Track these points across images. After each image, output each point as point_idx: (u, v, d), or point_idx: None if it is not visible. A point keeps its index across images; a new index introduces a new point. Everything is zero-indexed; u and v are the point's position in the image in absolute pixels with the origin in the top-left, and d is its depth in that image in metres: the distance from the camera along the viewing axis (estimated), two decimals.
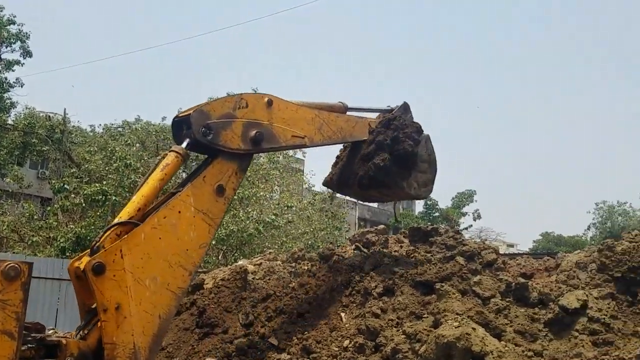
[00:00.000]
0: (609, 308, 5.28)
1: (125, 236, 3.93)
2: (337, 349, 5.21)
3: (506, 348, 4.44)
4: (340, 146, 6.90)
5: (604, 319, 5.11)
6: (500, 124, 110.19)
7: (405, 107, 6.82)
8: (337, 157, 7.00)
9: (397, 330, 5.23)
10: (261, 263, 8.70)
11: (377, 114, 6.76)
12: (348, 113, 6.30)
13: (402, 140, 6.31)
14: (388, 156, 6.20)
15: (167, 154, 4.49)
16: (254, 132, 4.81)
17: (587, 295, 5.39)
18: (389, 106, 6.81)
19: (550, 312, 5.38)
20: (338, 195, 25.41)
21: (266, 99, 5.03)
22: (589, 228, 43.93)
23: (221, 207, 4.57)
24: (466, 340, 4.21)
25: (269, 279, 7.63)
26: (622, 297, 5.49)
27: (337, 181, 6.77)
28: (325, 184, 7.11)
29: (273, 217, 17.48)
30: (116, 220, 4.10)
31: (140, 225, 4.00)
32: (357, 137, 6.28)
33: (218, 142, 4.59)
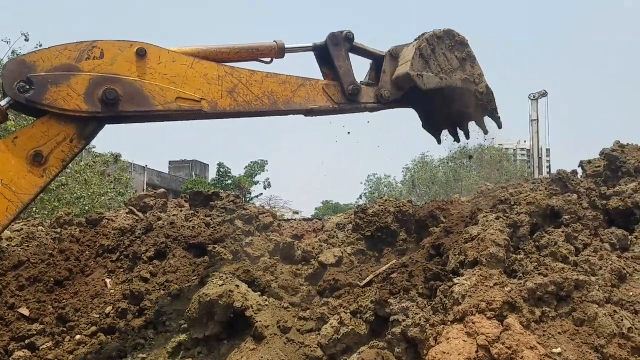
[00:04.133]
0: (359, 262, 6.03)
1: None
2: (97, 316, 4.95)
3: (267, 302, 4.74)
4: None
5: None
6: None
7: (333, 40, 4.92)
8: None
9: (165, 293, 5.19)
10: (21, 229, 7.73)
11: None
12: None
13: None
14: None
15: None
16: (105, 89, 3.79)
17: (342, 252, 6.08)
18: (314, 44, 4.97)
19: (311, 268, 5.93)
20: (123, 158, 23.89)
21: (136, 48, 3.95)
22: (360, 197, 49.26)
23: (35, 181, 3.64)
24: (228, 297, 4.38)
25: (28, 246, 6.81)
26: (370, 253, 6.30)
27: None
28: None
29: None
30: None
31: None
32: (298, 106, 4.66)
33: (41, 100, 3.64)
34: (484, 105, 5.59)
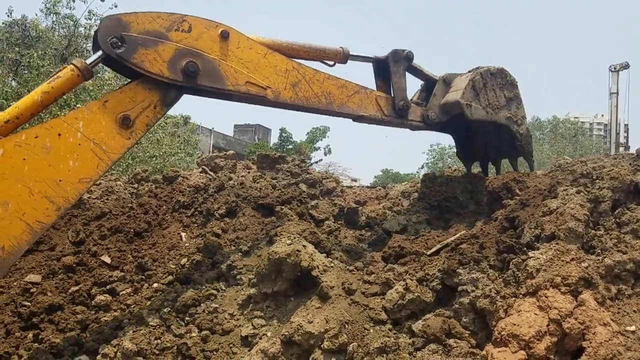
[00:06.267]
0: (424, 231, 6.00)
1: None
2: (174, 266, 5.22)
3: (332, 264, 4.84)
4: None
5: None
6: None
7: (394, 57, 5.30)
8: None
9: (235, 249, 5.40)
10: (100, 183, 8.22)
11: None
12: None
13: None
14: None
15: (66, 66, 3.90)
16: (187, 61, 4.08)
17: (407, 220, 6.06)
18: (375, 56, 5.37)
19: (374, 234, 5.96)
20: (192, 120, 24.69)
21: (220, 30, 4.26)
22: (422, 167, 48.44)
23: (122, 143, 3.94)
24: (296, 256, 4.49)
25: (107, 199, 7.25)
26: (436, 223, 6.23)
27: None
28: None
29: None
30: None
31: (1, 139, 3.51)
32: (351, 111, 4.99)
33: (130, 58, 3.92)
34: (522, 146, 5.93)
